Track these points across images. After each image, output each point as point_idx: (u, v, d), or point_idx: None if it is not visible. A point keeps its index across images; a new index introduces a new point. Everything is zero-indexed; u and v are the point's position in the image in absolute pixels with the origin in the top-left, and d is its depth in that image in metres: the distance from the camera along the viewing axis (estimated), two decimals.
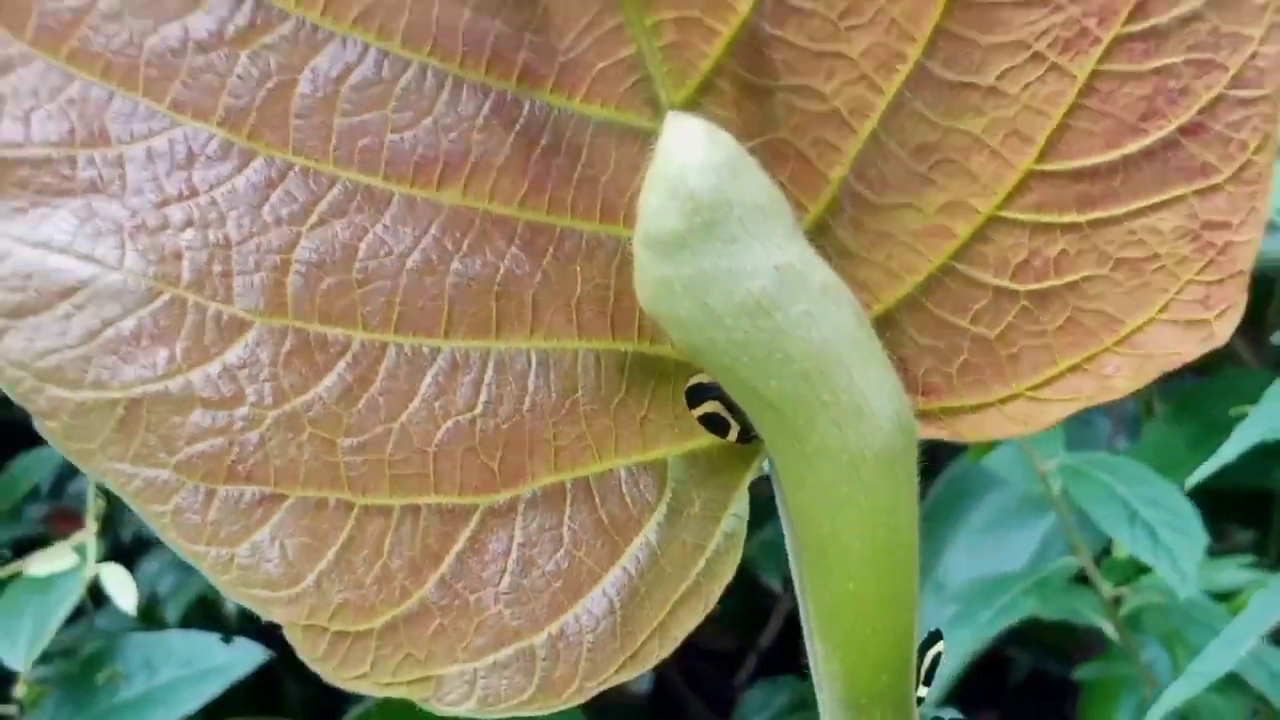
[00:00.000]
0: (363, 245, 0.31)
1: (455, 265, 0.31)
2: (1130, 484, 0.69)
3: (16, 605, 0.87)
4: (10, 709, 0.86)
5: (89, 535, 0.87)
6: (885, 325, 0.33)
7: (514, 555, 0.32)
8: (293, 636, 0.30)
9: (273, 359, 0.30)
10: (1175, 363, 0.31)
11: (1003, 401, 0.33)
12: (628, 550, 0.33)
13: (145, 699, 0.88)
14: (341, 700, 1.17)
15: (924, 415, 0.33)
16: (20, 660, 0.84)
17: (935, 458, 1.17)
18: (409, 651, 0.31)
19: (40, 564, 0.86)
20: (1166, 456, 0.87)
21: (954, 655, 0.78)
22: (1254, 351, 1.07)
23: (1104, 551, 0.79)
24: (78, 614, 0.97)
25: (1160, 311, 0.31)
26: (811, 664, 0.34)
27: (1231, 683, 0.72)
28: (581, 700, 0.32)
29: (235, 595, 0.30)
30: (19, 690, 0.86)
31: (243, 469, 0.30)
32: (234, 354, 0.30)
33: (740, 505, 0.34)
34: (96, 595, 0.91)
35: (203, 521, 0.30)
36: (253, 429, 0.30)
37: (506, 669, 0.31)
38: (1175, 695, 0.50)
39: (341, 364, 0.30)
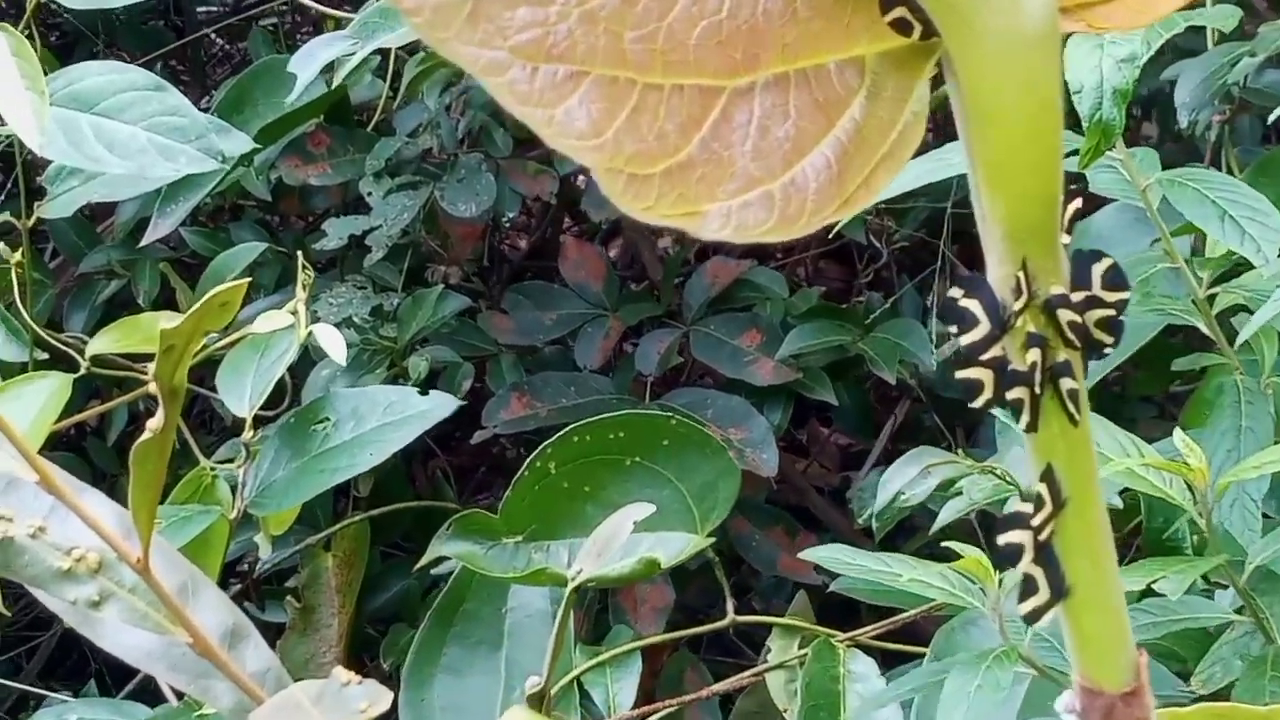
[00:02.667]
0: None
1: None
2: (1218, 190, 0.79)
3: (240, 363, 0.98)
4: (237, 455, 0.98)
5: (300, 302, 0.98)
6: None
7: (754, 124, 0.42)
8: (599, 177, 0.41)
9: None
10: None
11: None
12: (839, 122, 0.43)
13: (354, 443, 1.00)
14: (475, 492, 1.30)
15: (1064, 10, 0.43)
16: (245, 408, 0.96)
17: None
18: (681, 192, 0.41)
19: (262, 323, 0.98)
20: None
21: None
22: None
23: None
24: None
25: None
26: (978, 215, 0.44)
27: None
28: (810, 230, 0.42)
29: (557, 145, 0.40)
30: (246, 435, 0.98)
31: (556, 52, 0.40)
32: None
33: (922, 93, 0.44)
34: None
35: (530, 90, 0.40)
36: (562, 22, 0.40)
37: (752, 206, 0.42)
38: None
39: None
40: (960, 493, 0.94)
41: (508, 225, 1.49)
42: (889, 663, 1.12)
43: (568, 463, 1.02)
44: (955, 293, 0.44)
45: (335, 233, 1.39)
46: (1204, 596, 0.88)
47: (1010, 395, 0.43)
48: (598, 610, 1.37)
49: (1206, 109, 1.08)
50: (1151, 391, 1.22)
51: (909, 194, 1.43)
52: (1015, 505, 0.44)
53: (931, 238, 1.64)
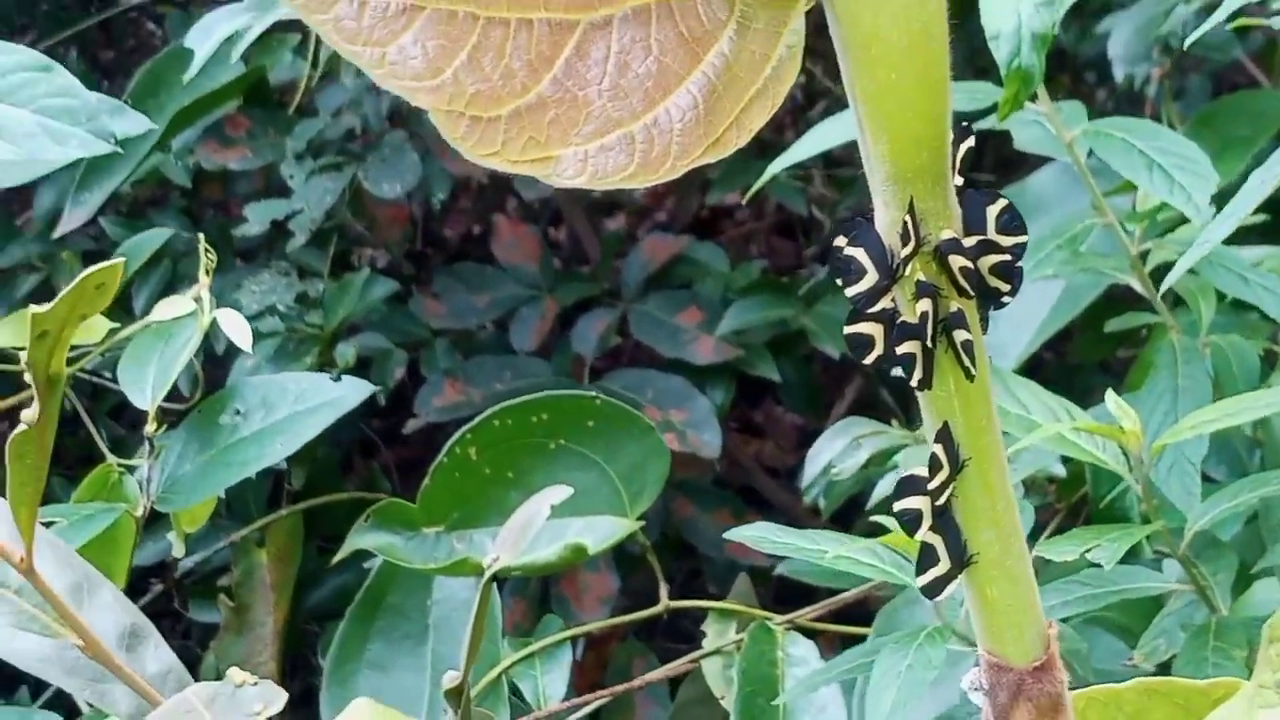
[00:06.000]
0: None
1: None
2: (1146, 139, 0.75)
3: (142, 353, 0.94)
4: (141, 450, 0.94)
5: (203, 287, 0.94)
6: None
7: (611, 61, 0.38)
8: (437, 120, 0.37)
9: None
10: None
11: None
12: (706, 57, 0.39)
13: (264, 433, 0.96)
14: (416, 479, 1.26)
15: None
16: (146, 400, 0.92)
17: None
18: (531, 135, 0.38)
19: (163, 310, 0.94)
20: None
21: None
22: (1264, 72, 1.12)
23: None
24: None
25: None
26: (863, 153, 0.40)
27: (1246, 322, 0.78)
28: (675, 175, 0.39)
29: (389, 85, 0.36)
30: (149, 428, 0.94)
31: None
32: None
33: (798, 25, 0.40)
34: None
35: (358, 27, 0.36)
36: None
37: (611, 150, 0.38)
38: (1190, 258, 0.56)
39: None
40: (897, 466, 0.91)
41: (439, 207, 1.45)
42: (844, 646, 1.08)
43: (489, 448, 0.98)
44: (840, 241, 0.41)
45: (256, 218, 1.34)
46: (1153, 566, 0.85)
47: (901, 350, 0.40)
48: (539, 600, 1.34)
49: (1144, 63, 1.04)
50: (1094, 357, 1.19)
51: (852, 161, 1.39)
52: (912, 469, 0.41)
53: None
